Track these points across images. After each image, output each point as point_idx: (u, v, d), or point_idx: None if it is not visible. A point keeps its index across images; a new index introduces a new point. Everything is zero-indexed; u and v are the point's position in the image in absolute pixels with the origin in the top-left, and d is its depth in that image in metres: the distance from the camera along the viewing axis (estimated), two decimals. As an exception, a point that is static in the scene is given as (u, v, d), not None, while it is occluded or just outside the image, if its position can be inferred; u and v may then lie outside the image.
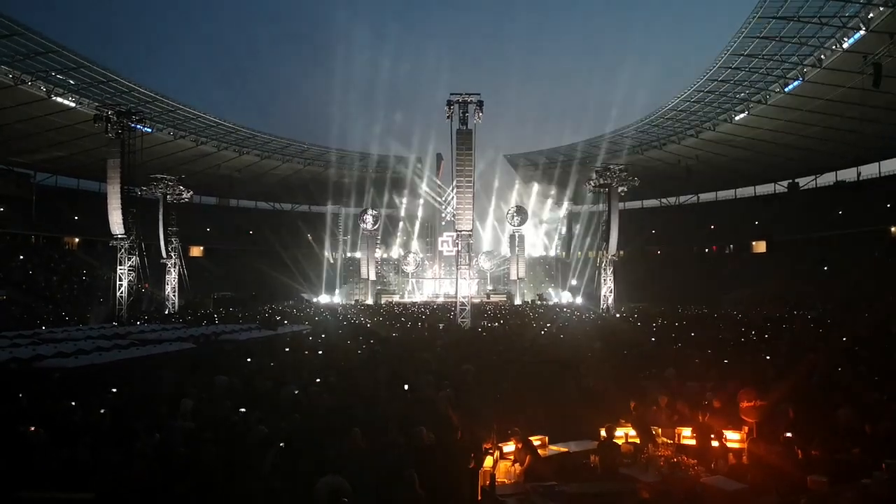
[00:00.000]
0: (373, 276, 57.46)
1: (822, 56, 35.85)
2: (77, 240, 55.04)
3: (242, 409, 8.31)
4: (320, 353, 15.40)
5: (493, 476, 6.60)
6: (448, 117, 29.97)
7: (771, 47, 36.59)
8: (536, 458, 7.25)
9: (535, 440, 7.65)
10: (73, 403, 8.63)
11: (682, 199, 68.15)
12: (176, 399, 9.12)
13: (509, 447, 7.57)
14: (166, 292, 40.14)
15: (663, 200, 69.17)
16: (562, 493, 6.51)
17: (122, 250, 33.39)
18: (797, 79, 39.28)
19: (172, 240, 40.50)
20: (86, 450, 6.83)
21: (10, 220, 49.74)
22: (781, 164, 54.84)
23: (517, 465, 7.28)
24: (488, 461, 6.96)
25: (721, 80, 41.47)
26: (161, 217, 39.99)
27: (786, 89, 40.86)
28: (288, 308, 42.81)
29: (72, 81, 39.90)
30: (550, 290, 59.52)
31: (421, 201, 69.79)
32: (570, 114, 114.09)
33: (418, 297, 58.65)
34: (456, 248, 33.68)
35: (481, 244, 64.01)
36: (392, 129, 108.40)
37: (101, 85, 40.53)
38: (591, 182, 40.79)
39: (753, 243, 60.64)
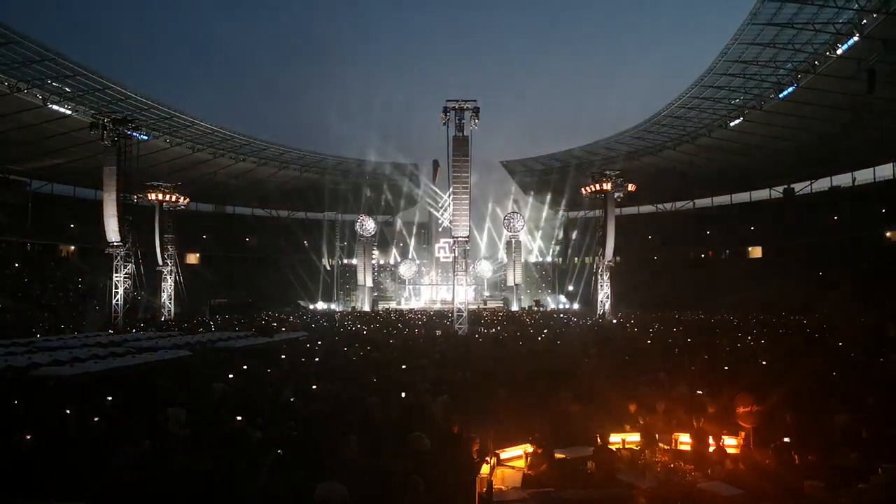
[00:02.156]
0: (369, 283, 57.48)
1: (817, 62, 36.04)
2: (73, 247, 54.89)
3: (239, 417, 8.28)
4: (317, 360, 15.38)
5: (489, 483, 6.58)
6: (444, 124, 30.02)
7: (765, 53, 36.78)
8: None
9: (532, 446, 7.64)
10: (69, 412, 8.60)
11: (679, 204, 68.27)
12: (172, 407, 9.10)
13: (506, 454, 7.56)
14: (162, 300, 40.06)
15: (659, 206, 69.30)
16: (559, 500, 6.49)
17: (119, 258, 33.34)
18: (791, 84, 39.46)
19: (168, 247, 40.49)
20: (81, 458, 6.81)
21: (6, 227, 49.57)
22: (777, 170, 55.00)
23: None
24: (485, 468, 6.94)
25: (716, 86, 41.64)
26: (157, 224, 39.97)
27: (780, 95, 41.02)
28: (285, 315, 42.77)
29: (68, 89, 39.87)
30: (547, 295, 59.61)
31: (417, 208, 69.97)
32: (566, 120, 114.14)
33: (415, 304, 58.68)
34: (453, 255, 33.66)
35: (478, 250, 64.15)
36: (389, 136, 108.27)
37: (97, 92, 40.50)
38: (588, 188, 40.90)
39: (749, 249, 60.80)
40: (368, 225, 57.92)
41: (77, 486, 6.09)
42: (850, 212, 50.35)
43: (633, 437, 8.14)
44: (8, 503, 5.51)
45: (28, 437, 7.06)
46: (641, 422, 8.44)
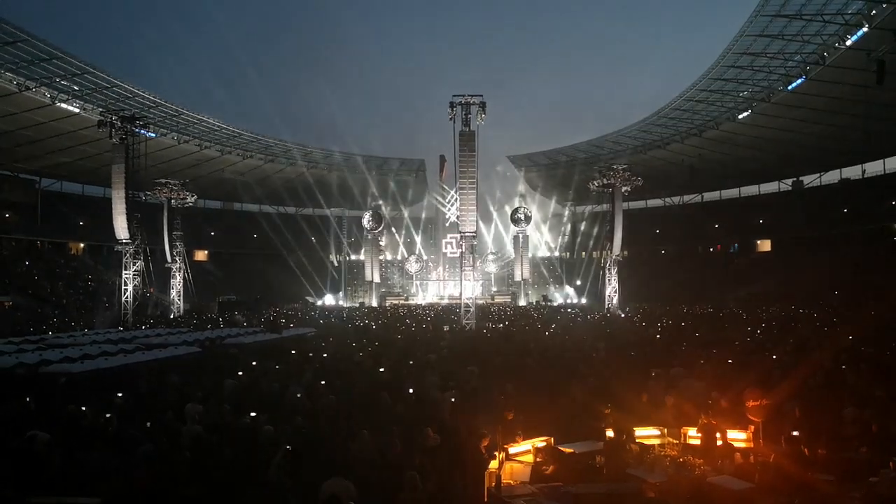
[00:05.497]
0: (377, 279, 57.57)
1: (826, 53, 35.70)
2: (82, 245, 55.25)
3: (253, 414, 8.31)
4: (325, 355, 15.41)
5: (498, 477, 6.59)
6: (451, 119, 29.92)
7: (774, 45, 36.45)
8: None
9: (540, 441, 7.64)
10: (80, 408, 8.66)
11: (686, 198, 67.93)
12: (182, 403, 9.15)
13: (515, 448, 7.57)
14: (171, 296, 40.27)
15: (667, 200, 68.96)
16: (568, 494, 6.50)
17: (128, 255, 33.50)
18: (800, 77, 39.10)
19: (177, 244, 40.71)
20: (92, 454, 6.86)
21: (16, 225, 49.93)
22: (785, 163, 54.61)
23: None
24: (494, 463, 6.95)
25: (724, 78, 41.33)
26: (166, 221, 40.19)
27: (789, 87, 40.68)
28: (293, 311, 42.89)
29: (76, 87, 40.01)
30: (554, 290, 59.51)
31: (424, 203, 69.96)
32: (573, 114, 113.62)
33: (422, 300, 58.72)
34: (460, 250, 33.65)
35: (485, 245, 64.03)
36: (395, 131, 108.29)
37: (104, 90, 40.65)
38: (595, 182, 40.77)
39: (758, 242, 60.48)
40: (375, 221, 57.97)
41: (90, 483, 6.13)
42: (859, 204, 50.00)
43: (652, 432, 8.13)
44: (21, 500, 5.56)
45: (39, 433, 7.11)
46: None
